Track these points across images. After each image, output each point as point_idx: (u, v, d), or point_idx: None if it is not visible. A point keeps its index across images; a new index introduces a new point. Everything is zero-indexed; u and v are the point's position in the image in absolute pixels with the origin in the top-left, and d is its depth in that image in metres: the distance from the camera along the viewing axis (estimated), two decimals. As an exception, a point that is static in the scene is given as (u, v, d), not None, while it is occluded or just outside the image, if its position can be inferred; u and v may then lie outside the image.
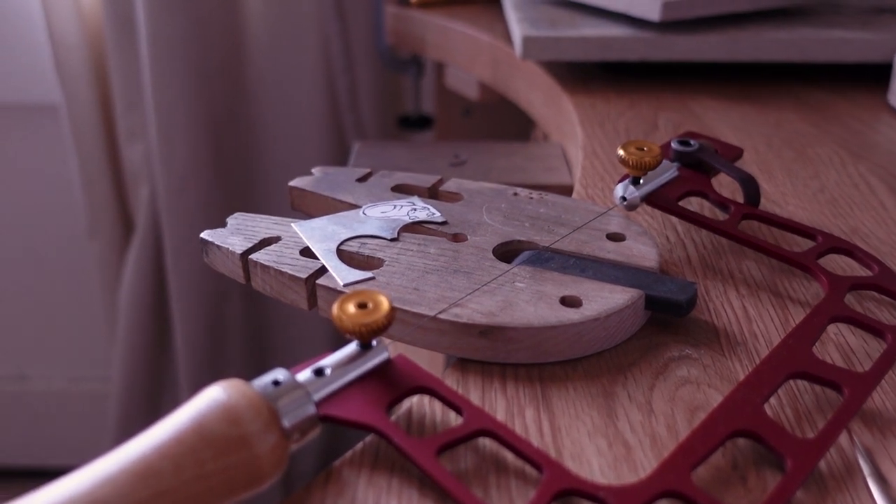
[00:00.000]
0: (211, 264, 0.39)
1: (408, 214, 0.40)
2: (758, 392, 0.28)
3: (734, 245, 0.42)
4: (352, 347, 0.29)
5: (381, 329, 0.28)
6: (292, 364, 0.28)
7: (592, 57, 0.69)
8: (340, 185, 0.44)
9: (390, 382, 0.28)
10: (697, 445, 0.26)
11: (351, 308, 0.28)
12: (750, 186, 0.43)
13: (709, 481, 0.26)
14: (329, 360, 0.28)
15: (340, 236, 0.38)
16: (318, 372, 0.28)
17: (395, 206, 0.41)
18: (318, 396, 0.27)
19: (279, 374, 0.27)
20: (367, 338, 0.28)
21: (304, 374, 0.28)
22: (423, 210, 0.40)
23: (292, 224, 0.39)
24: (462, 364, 0.32)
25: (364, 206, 0.41)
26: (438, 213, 0.40)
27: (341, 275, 0.35)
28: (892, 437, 0.29)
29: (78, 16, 1.07)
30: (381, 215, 0.40)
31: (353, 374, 0.28)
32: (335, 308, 0.28)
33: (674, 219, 0.45)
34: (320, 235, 0.38)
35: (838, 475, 0.27)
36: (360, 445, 0.28)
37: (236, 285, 1.21)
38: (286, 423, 0.26)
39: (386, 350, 0.29)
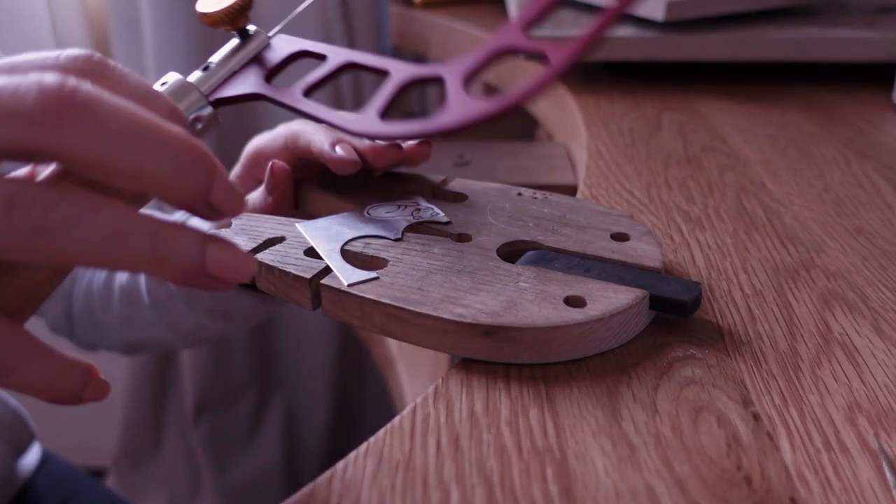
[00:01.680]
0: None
1: (412, 214, 0.40)
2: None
3: (739, 245, 0.42)
4: (233, 41, 0.33)
5: (244, 6, 0.32)
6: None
7: (597, 57, 0.69)
8: (345, 186, 0.44)
9: (270, 58, 0.33)
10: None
11: (210, 5, 0.32)
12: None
13: (713, 481, 0.26)
14: (215, 56, 0.33)
15: (345, 236, 0.38)
16: (206, 68, 0.32)
17: (399, 207, 0.41)
18: (207, 88, 0.31)
19: (169, 76, 0.31)
20: (237, 22, 0.32)
21: (195, 75, 0.32)
22: (427, 210, 0.40)
23: (296, 224, 0.39)
24: (466, 364, 0.33)
25: (368, 207, 0.41)
26: (442, 214, 0.40)
27: (345, 275, 0.35)
28: (898, 438, 0.29)
29: (83, 16, 1.07)
30: (386, 216, 0.40)
31: (237, 61, 0.33)
32: (198, 9, 0.32)
33: (678, 219, 0.45)
34: (324, 236, 0.38)
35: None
36: (364, 446, 0.28)
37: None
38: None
39: (265, 34, 0.33)
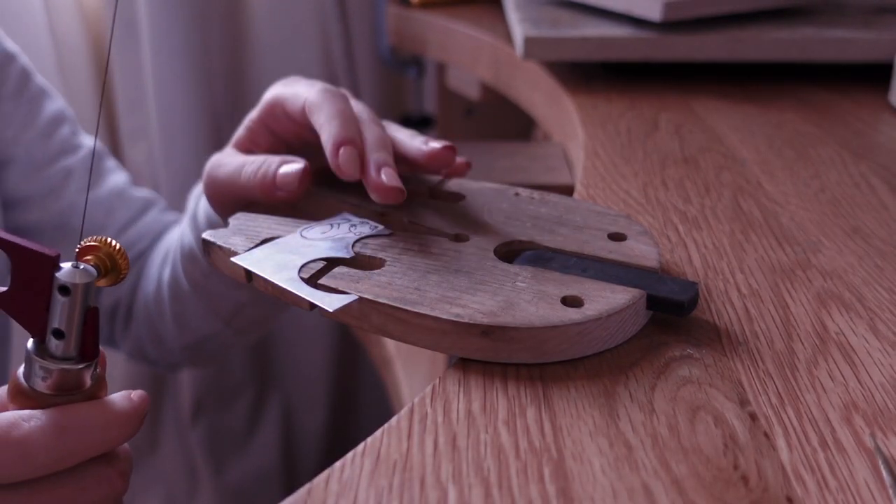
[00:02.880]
0: (213, 265, 0.39)
1: (350, 230, 0.39)
2: None
3: (735, 245, 0.42)
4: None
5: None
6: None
7: (594, 57, 0.69)
8: (343, 185, 0.44)
9: None
10: None
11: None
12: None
13: (710, 481, 0.27)
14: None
15: (295, 263, 0.36)
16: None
17: (332, 226, 0.39)
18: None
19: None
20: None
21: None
22: (363, 225, 0.39)
23: (232, 259, 0.37)
24: (463, 364, 0.33)
25: (300, 229, 0.39)
26: (381, 226, 0.39)
27: (325, 301, 0.33)
28: None
29: (80, 16, 1.07)
30: (323, 236, 0.38)
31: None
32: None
33: (675, 218, 0.45)
34: (273, 266, 0.35)
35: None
36: (361, 446, 0.28)
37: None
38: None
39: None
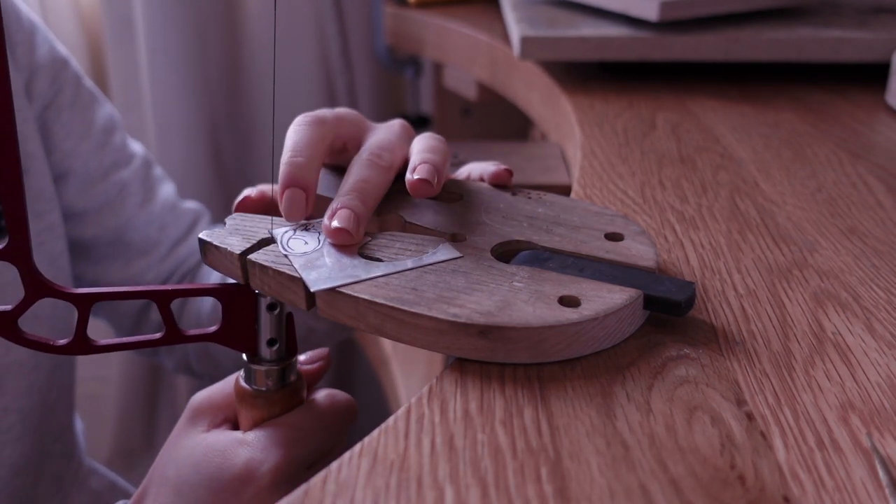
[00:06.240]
0: (209, 265, 0.39)
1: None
2: None
3: (732, 245, 0.42)
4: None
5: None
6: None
7: (591, 57, 0.69)
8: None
9: None
10: None
11: None
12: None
13: (707, 481, 0.27)
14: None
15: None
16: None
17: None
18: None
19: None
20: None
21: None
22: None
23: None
24: (461, 364, 0.33)
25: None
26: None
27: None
28: None
29: (77, 17, 1.07)
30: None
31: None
32: None
33: (672, 218, 0.45)
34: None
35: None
36: (358, 446, 0.28)
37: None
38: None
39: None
